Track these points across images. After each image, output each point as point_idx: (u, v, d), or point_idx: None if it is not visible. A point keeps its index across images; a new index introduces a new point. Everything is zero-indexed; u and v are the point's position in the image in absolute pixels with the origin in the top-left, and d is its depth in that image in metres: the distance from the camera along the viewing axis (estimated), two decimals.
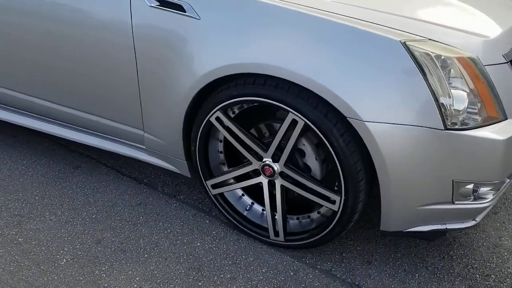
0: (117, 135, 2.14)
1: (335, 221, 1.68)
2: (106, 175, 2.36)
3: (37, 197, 2.18)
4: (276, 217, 1.83)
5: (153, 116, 1.93)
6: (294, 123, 1.61)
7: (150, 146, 2.04)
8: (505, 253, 1.84)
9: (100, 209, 2.09)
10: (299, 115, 1.56)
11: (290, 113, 1.59)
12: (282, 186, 1.76)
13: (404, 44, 1.46)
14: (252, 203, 1.95)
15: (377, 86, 1.48)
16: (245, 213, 1.94)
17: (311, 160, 1.73)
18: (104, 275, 1.72)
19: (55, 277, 1.71)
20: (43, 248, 1.86)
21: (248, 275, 1.73)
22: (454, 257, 1.82)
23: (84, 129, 2.24)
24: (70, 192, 2.22)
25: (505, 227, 1.98)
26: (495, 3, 2.07)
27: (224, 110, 1.72)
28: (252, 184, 1.85)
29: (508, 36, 1.76)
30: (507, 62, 1.66)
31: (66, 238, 1.91)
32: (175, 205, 2.14)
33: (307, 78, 1.51)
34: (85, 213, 2.07)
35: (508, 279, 1.72)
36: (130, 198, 2.18)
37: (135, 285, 1.68)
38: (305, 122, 1.57)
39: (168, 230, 1.97)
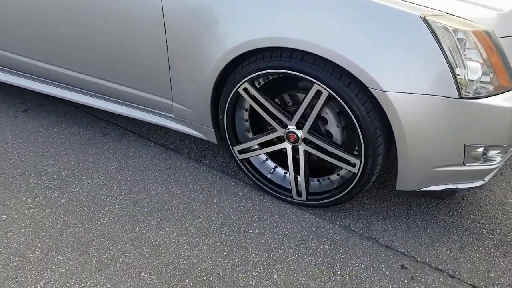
0: (146, 105, 2.27)
1: (354, 182, 1.84)
2: (134, 141, 2.51)
3: (72, 162, 2.34)
4: (298, 179, 1.98)
5: (182, 87, 2.05)
6: (318, 93, 1.74)
7: (179, 115, 2.18)
8: (510, 210, 2.01)
9: (133, 173, 2.25)
10: (324, 86, 1.69)
11: (315, 84, 1.71)
12: (305, 151, 1.91)
13: (423, 19, 1.56)
14: (275, 167, 2.10)
15: (397, 58, 1.60)
16: (269, 175, 2.09)
17: (333, 127, 1.87)
18: (144, 231, 1.90)
19: (100, 234, 1.89)
20: (85, 208, 2.03)
21: (274, 230, 1.91)
22: (462, 213, 1.99)
23: (114, 99, 2.37)
24: (103, 157, 2.37)
25: (511, 187, 2.14)
26: None
27: (251, 82, 1.85)
28: (276, 150, 2.00)
29: None
30: None
31: (105, 199, 2.08)
32: (202, 169, 2.29)
33: (332, 51, 1.63)
34: (119, 177, 2.23)
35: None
36: (160, 163, 2.33)
37: (173, 240, 1.86)
38: (329, 93, 1.69)
39: (198, 192, 2.13)
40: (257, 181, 2.09)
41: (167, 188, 2.15)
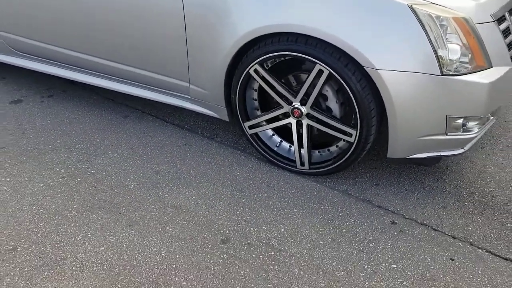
0: (165, 88, 2.53)
1: (351, 150, 2.10)
2: (152, 122, 2.77)
3: (98, 140, 2.59)
4: (302, 151, 2.25)
5: (199, 70, 2.31)
6: (320, 72, 2.00)
7: (195, 96, 2.44)
8: (488, 177, 2.27)
9: (153, 148, 2.51)
10: (325, 65, 1.95)
11: (317, 64, 1.98)
12: (308, 125, 2.17)
13: (411, 7, 1.83)
14: (281, 141, 2.36)
15: (388, 41, 1.86)
16: (275, 149, 2.35)
17: (332, 103, 2.14)
18: (167, 195, 2.16)
19: (128, 197, 2.15)
20: (112, 177, 2.29)
21: (280, 194, 2.17)
22: (446, 180, 2.26)
23: (136, 83, 2.63)
24: (125, 136, 2.63)
25: (489, 158, 2.41)
26: None
27: (261, 63, 2.11)
28: (281, 125, 2.27)
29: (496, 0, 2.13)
30: (494, 21, 2.04)
31: (129, 170, 2.34)
32: (214, 145, 2.55)
33: (332, 35, 1.89)
34: (141, 151, 2.49)
35: (489, 196, 2.16)
36: (176, 140, 2.59)
37: (192, 202, 2.12)
38: (330, 72, 1.96)
39: (212, 163, 2.39)
40: (265, 154, 2.36)
41: (184, 161, 2.41)
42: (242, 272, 1.77)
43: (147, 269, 1.78)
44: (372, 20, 1.87)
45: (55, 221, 2.01)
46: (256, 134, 2.35)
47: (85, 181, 2.26)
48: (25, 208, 2.08)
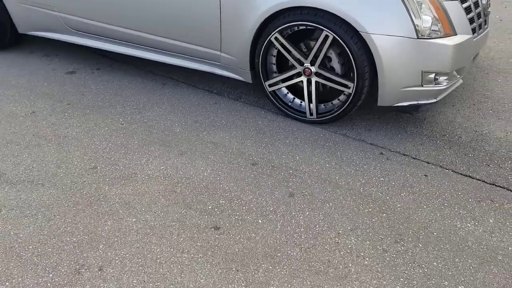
0: (199, 56, 3.14)
1: (349, 100, 2.72)
2: (186, 88, 3.38)
3: (144, 100, 3.20)
4: (311, 105, 2.86)
5: (229, 40, 2.93)
6: (326, 38, 2.62)
7: (225, 62, 3.05)
8: (457, 125, 2.90)
9: (190, 106, 3.12)
10: (330, 31, 2.57)
11: (324, 31, 2.59)
12: (316, 82, 2.78)
13: None
14: (293, 98, 2.97)
15: (378, 12, 2.49)
16: (289, 104, 2.96)
17: (335, 63, 2.75)
18: (206, 136, 2.76)
19: (175, 137, 2.75)
20: (161, 124, 2.89)
21: (294, 136, 2.78)
22: (423, 126, 2.88)
23: (174, 54, 3.24)
24: (165, 97, 3.24)
25: (459, 113, 3.03)
26: None
27: (280, 32, 2.73)
28: (294, 83, 2.88)
29: None
30: (457, 0, 2.66)
31: (174, 119, 2.94)
32: (239, 104, 3.16)
33: (337, 8, 2.51)
34: (180, 108, 3.10)
35: (456, 137, 2.77)
36: (208, 100, 3.20)
37: (227, 140, 2.72)
38: (334, 36, 2.58)
39: (239, 116, 3.00)
40: (281, 107, 2.97)
41: (216, 114, 3.02)
42: (269, 182, 2.37)
43: (198, 180, 2.38)
44: None
45: (122, 151, 2.61)
46: (274, 91, 2.96)
47: (140, 126, 2.87)
48: (97, 143, 2.68)
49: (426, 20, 2.52)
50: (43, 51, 3.98)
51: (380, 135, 2.81)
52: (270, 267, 1.88)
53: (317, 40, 2.67)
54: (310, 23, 2.62)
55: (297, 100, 2.97)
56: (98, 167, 2.48)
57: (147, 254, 1.93)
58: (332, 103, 2.87)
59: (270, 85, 2.95)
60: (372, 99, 2.79)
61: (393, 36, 2.49)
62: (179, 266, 1.87)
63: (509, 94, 3.28)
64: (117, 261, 1.90)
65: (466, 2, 2.74)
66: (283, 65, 2.93)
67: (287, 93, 2.98)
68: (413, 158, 2.58)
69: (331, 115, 2.82)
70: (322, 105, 2.90)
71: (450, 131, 2.84)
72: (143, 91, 3.33)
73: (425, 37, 2.51)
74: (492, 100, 3.20)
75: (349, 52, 2.58)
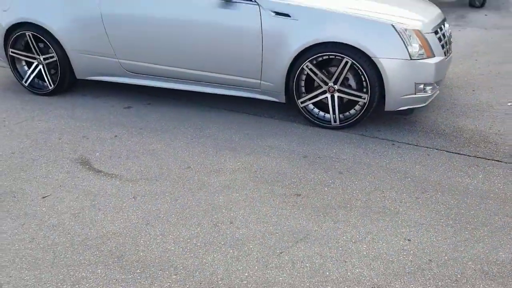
0: (239, 85, 4.04)
1: (364, 109, 3.69)
2: (227, 112, 4.25)
3: (199, 122, 4.03)
4: (334, 115, 3.80)
5: (269, 71, 3.86)
6: (345, 63, 3.61)
7: (264, 88, 3.96)
8: (439, 123, 3.93)
9: (236, 124, 3.98)
10: (349, 58, 3.57)
11: (344, 58, 3.58)
12: (338, 97, 3.75)
13: (392, 25, 3.50)
14: (319, 111, 3.91)
15: (383, 43, 3.52)
16: (316, 115, 3.90)
17: (352, 82, 3.74)
18: (260, 142, 3.62)
19: (237, 144, 3.59)
20: (223, 135, 3.72)
21: (325, 138, 3.70)
22: (417, 124, 3.90)
23: (218, 85, 4.12)
24: (215, 117, 4.08)
25: (439, 115, 4.09)
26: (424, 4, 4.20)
27: (310, 61, 3.70)
28: (320, 99, 3.82)
29: (433, 20, 3.86)
30: (432, 32, 3.76)
31: (230, 132, 3.79)
32: (275, 120, 4.07)
33: (354, 41, 3.52)
34: (229, 125, 3.95)
35: (441, 129, 3.78)
36: (250, 120, 4.08)
37: (276, 143, 3.59)
38: (352, 62, 3.57)
39: (278, 128, 3.89)
40: (311, 119, 3.89)
41: (260, 128, 3.90)
42: (322, 166, 3.26)
43: (270, 169, 3.23)
44: (374, 32, 3.53)
45: (203, 155, 3.42)
46: (304, 107, 3.89)
47: (207, 139, 3.69)
48: (181, 152, 3.48)
49: (415, 47, 3.57)
50: (94, 93, 4.74)
51: (387, 132, 3.78)
52: (346, 212, 2.74)
53: (339, 65, 3.66)
54: (334, 53, 3.61)
55: (322, 113, 3.91)
56: (192, 166, 3.27)
57: (258, 212, 2.74)
58: (349, 112, 3.84)
59: (301, 102, 3.88)
60: (377, 107, 3.78)
61: (394, 59, 3.52)
62: (283, 217, 2.69)
63: (470, 101, 4.39)
64: (240, 218, 2.69)
65: (438, 34, 3.85)
66: (310, 85, 3.89)
67: (314, 108, 3.92)
68: (415, 145, 3.56)
69: (351, 121, 3.78)
70: (341, 115, 3.85)
71: (436, 126, 3.87)
72: (193, 116, 4.15)
73: (415, 58, 3.56)
74: (459, 106, 4.29)
75: (364, 72, 3.58)
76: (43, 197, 2.91)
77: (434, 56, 3.68)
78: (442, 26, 4.01)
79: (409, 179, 3.10)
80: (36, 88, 4.72)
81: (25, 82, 4.71)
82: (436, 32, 3.83)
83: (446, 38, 4.04)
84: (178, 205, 2.83)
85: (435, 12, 4.08)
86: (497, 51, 5.86)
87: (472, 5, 8.43)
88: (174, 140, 3.66)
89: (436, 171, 3.19)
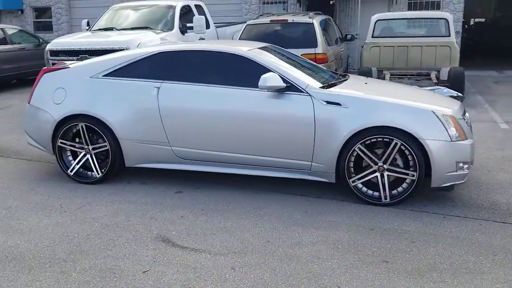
0: (290, 167, 4.34)
1: (413, 186, 4.05)
2: (275, 194, 4.48)
3: (251, 202, 4.23)
4: (385, 192, 4.13)
5: (320, 153, 4.21)
6: (395, 145, 4.03)
7: (315, 170, 4.28)
8: (474, 196, 4.32)
9: (291, 204, 4.21)
10: (399, 140, 4.00)
11: (394, 140, 4.01)
12: (388, 175, 4.11)
13: (433, 111, 4.02)
14: (367, 190, 4.23)
15: (427, 126, 3.99)
16: (367, 193, 4.21)
17: (399, 161, 4.13)
18: (323, 218, 3.84)
19: (302, 220, 3.78)
20: (285, 215, 3.92)
21: (379, 215, 3.97)
22: (455, 199, 4.26)
23: (268, 167, 4.40)
24: (266, 202, 4.30)
25: (474, 185, 4.49)
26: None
27: (362, 143, 4.10)
28: (369, 178, 4.17)
29: (460, 109, 4.43)
30: (462, 118, 4.30)
31: (290, 212, 3.99)
32: (325, 200, 4.33)
33: (403, 125, 3.98)
34: (285, 206, 4.17)
35: (479, 202, 4.16)
36: (299, 200, 4.33)
37: (339, 219, 3.82)
38: (401, 143, 4.00)
39: (332, 207, 4.15)
40: (362, 196, 4.20)
41: (315, 207, 4.15)
42: (390, 241, 3.48)
43: (341, 236, 3.41)
44: (419, 118, 4.02)
45: (281, 228, 3.58)
46: (355, 186, 4.21)
47: (278, 217, 3.89)
48: (253, 227, 3.62)
49: (452, 130, 4.07)
50: (138, 180, 4.88)
51: (434, 207, 4.12)
52: (438, 274, 2.95)
53: (388, 147, 4.07)
54: (385, 136, 4.04)
55: (370, 191, 4.24)
56: (270, 241, 3.42)
57: (358, 277, 2.92)
58: (397, 190, 4.18)
59: (352, 182, 4.20)
60: (424, 187, 4.15)
61: (439, 140, 3.99)
62: (385, 281, 2.87)
63: (490, 180, 4.86)
64: (346, 283, 2.84)
65: (465, 120, 4.40)
66: (358, 165, 4.25)
67: (362, 186, 4.25)
68: (464, 217, 3.90)
69: (401, 198, 4.12)
70: (393, 191, 4.18)
71: (473, 201, 4.26)
72: (246, 198, 4.36)
73: (453, 140, 4.04)
74: (484, 184, 4.74)
75: (412, 153, 4.00)
76: (144, 272, 2.95)
77: (467, 139, 4.19)
78: (466, 114, 4.60)
79: (476, 244, 3.38)
80: (81, 177, 4.83)
81: (71, 171, 4.83)
82: (463, 119, 4.38)
83: (469, 125, 4.61)
84: (278, 274, 2.95)
85: (458, 103, 4.70)
86: (490, 139, 6.56)
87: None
88: (240, 219, 3.83)
89: (495, 237, 3.50)
